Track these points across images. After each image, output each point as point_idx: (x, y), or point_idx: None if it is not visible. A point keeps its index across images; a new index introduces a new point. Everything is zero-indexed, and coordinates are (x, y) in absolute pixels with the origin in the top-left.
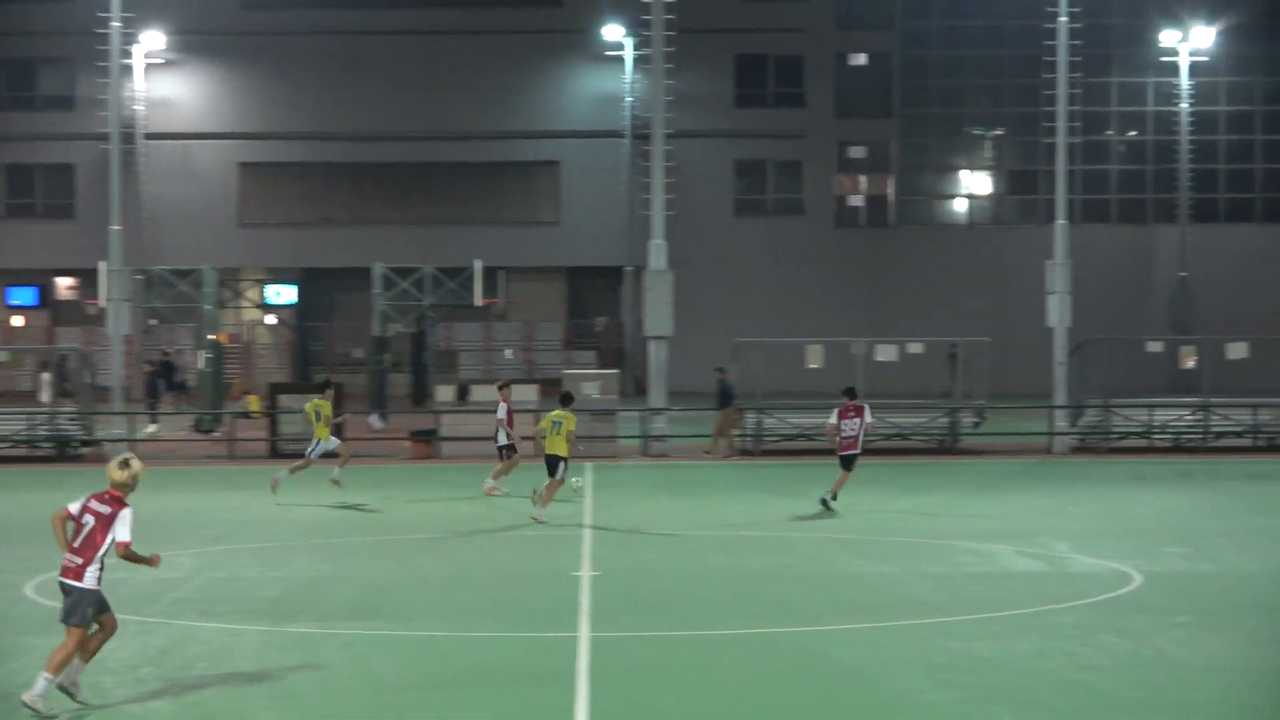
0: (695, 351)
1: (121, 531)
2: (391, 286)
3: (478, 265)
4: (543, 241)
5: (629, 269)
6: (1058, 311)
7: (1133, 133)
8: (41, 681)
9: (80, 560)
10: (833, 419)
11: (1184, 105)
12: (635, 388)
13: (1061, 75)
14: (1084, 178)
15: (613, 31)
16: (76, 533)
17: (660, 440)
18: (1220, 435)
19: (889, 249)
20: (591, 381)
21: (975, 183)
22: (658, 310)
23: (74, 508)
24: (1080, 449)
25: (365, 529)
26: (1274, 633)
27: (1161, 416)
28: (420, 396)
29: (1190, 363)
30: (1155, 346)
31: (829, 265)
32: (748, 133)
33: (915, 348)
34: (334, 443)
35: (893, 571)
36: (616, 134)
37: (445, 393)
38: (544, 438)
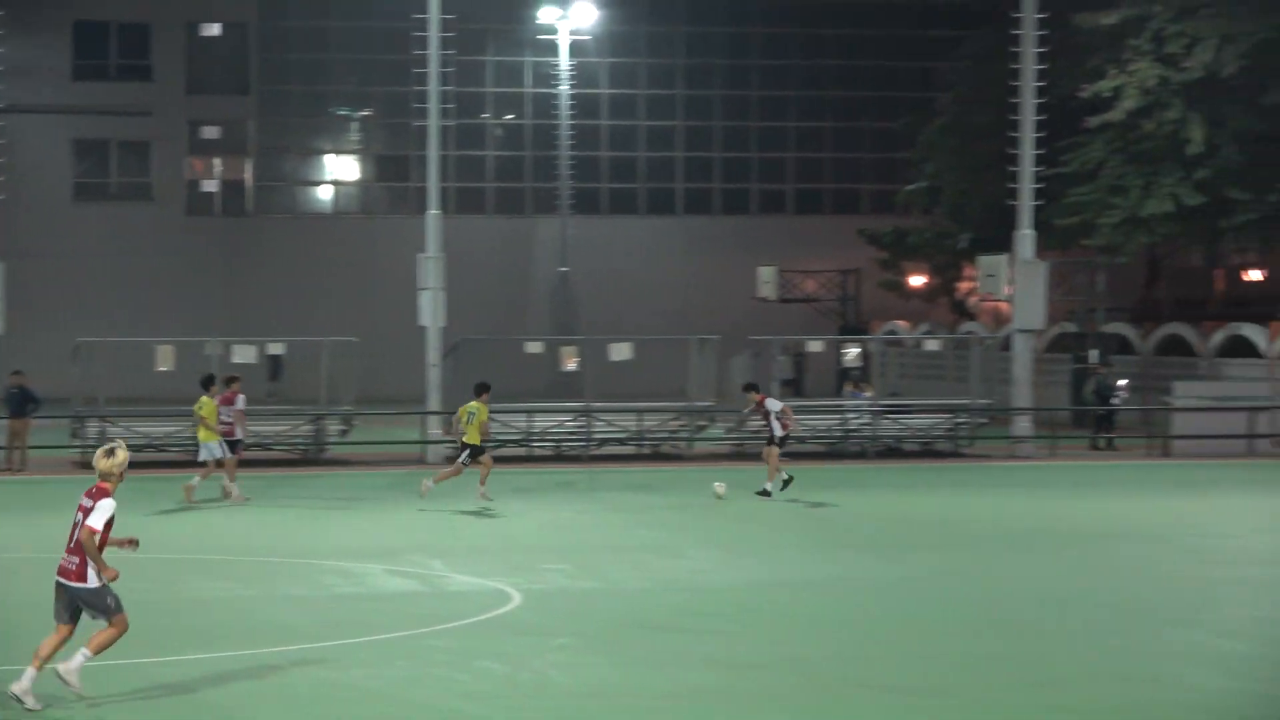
0: (32, 352)
1: (95, 519)
2: None
3: None
4: None
5: None
6: (430, 309)
7: (510, 116)
8: (79, 657)
9: (79, 560)
10: None
11: (564, 88)
12: None
13: (433, 52)
14: (458, 164)
15: None
16: (71, 531)
17: None
18: (603, 443)
19: (247, 239)
20: None
21: (341, 168)
22: None
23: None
24: (456, 458)
25: None
26: (665, 653)
27: (542, 423)
28: None
29: (572, 365)
30: (535, 347)
31: (181, 257)
32: (88, 108)
33: (276, 348)
34: None
35: (252, 595)
36: None
37: None
38: (462, 426)
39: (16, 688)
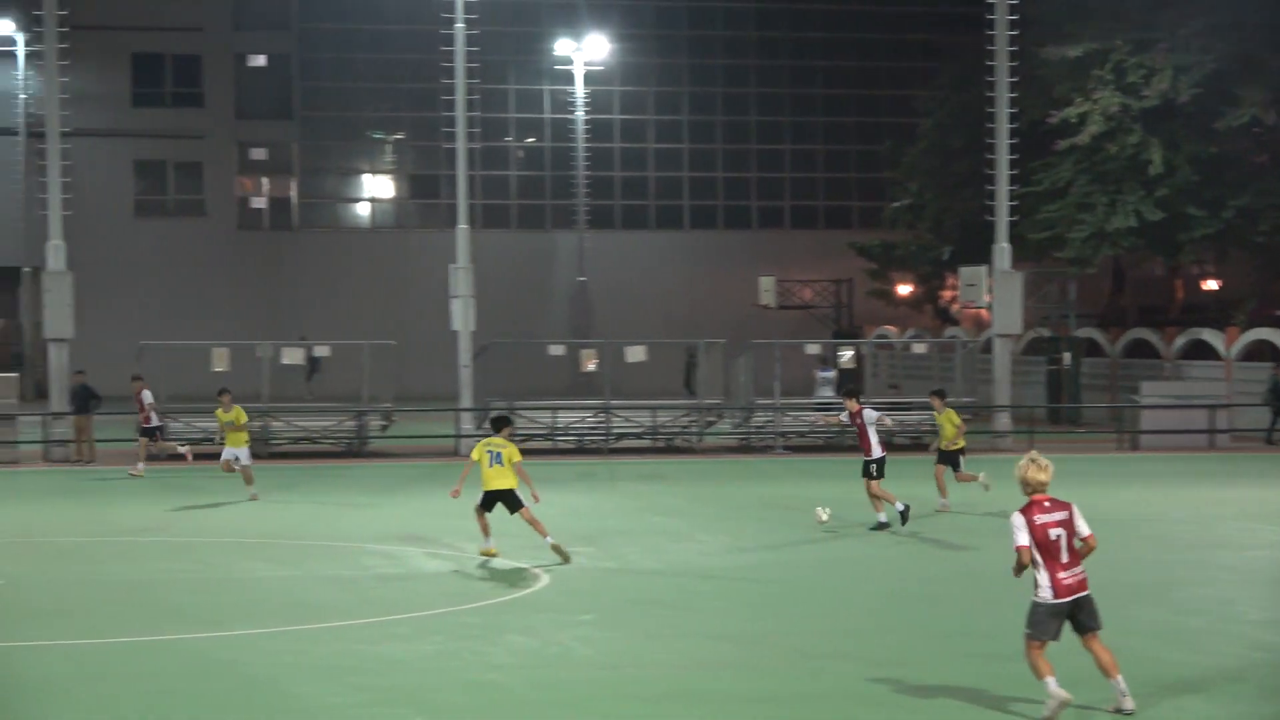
0: (98, 355)
1: (1082, 526)
2: None
3: None
4: None
5: (27, 270)
6: (461, 315)
7: (531, 139)
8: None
9: (1081, 570)
10: None
11: (579, 113)
12: (36, 392)
13: (459, 81)
14: (484, 183)
15: (2, 26)
16: (1054, 547)
17: (62, 445)
18: (621, 436)
19: (292, 252)
20: None
21: (377, 186)
22: (58, 312)
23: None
24: None
25: None
26: (677, 628)
27: (565, 418)
28: None
29: (591, 366)
30: (557, 350)
31: (233, 268)
32: (146, 132)
33: (322, 350)
34: None
35: (298, 575)
36: (11, 132)
37: None
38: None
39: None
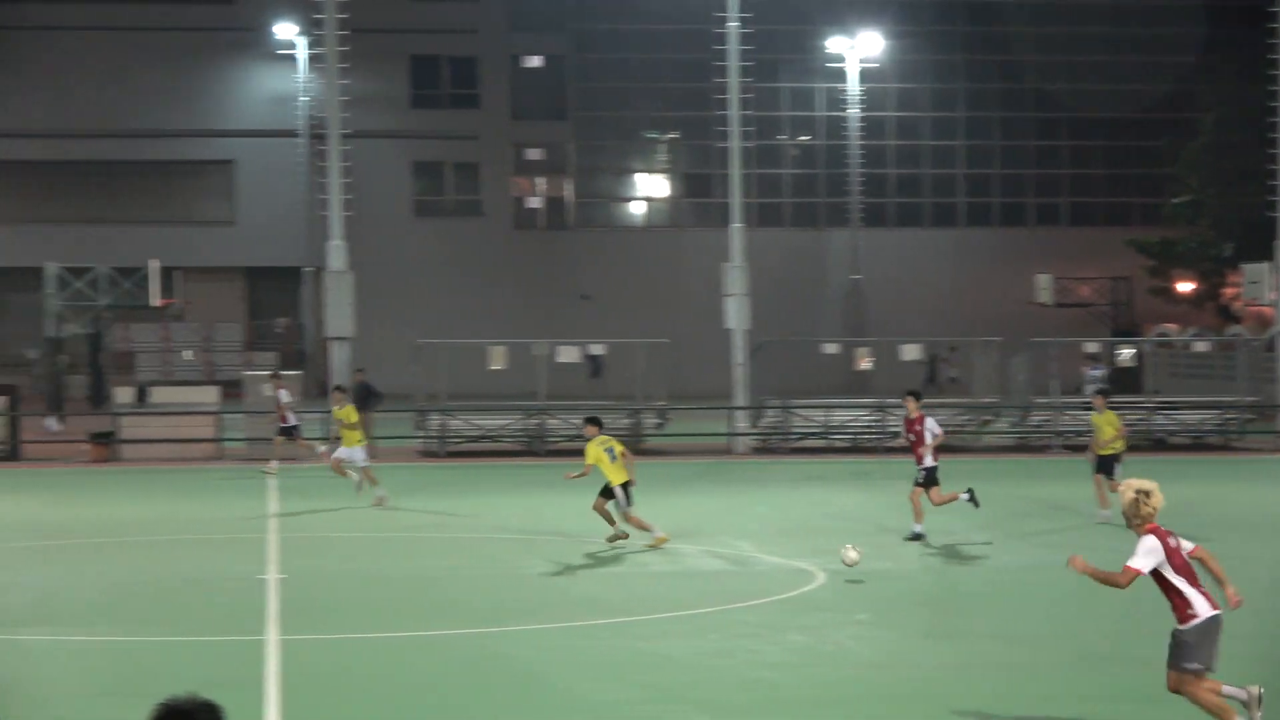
0: (376, 353)
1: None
2: (65, 286)
3: (154, 265)
4: (219, 241)
5: (309, 270)
6: (735, 313)
7: (805, 137)
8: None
9: None
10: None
11: (853, 111)
12: (318, 389)
13: (733, 80)
14: (758, 181)
15: (285, 30)
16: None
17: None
18: (895, 435)
19: (567, 251)
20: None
21: (651, 185)
22: (338, 311)
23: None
24: (760, 449)
25: (40, 533)
26: (950, 627)
27: (840, 417)
28: (98, 398)
29: (865, 364)
30: (832, 348)
31: (508, 267)
32: (424, 133)
33: (596, 349)
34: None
35: (574, 571)
36: (292, 133)
37: (124, 394)
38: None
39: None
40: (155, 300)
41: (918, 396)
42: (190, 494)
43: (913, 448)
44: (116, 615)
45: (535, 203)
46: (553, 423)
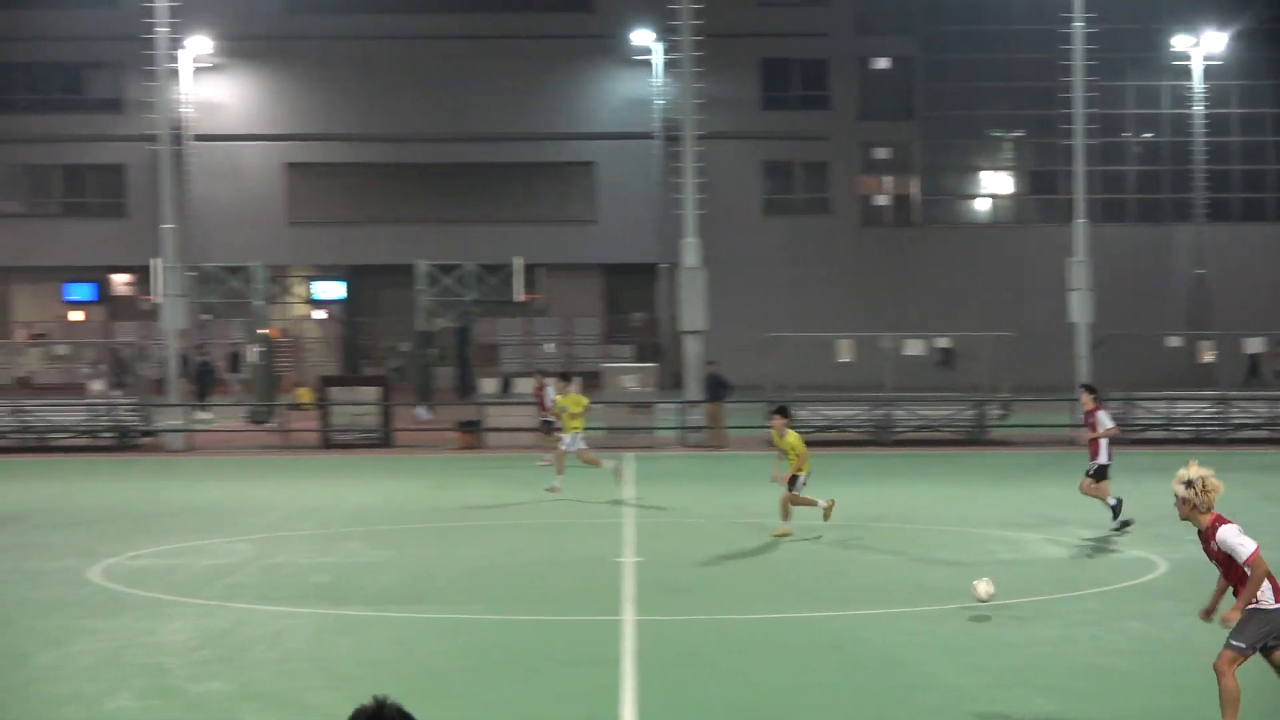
0: (727, 346)
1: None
2: (435, 282)
3: (518, 262)
4: (580, 239)
5: (663, 266)
6: (1079, 307)
7: (1148, 134)
8: None
9: None
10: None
11: (1198, 108)
12: (673, 381)
13: (1078, 78)
14: (1102, 178)
15: (642, 36)
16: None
17: (696, 431)
18: (1239, 427)
19: (913, 247)
20: (630, 375)
21: (996, 183)
22: (692, 306)
23: None
24: None
25: (412, 516)
26: None
27: (1183, 409)
28: (465, 389)
29: (1209, 357)
30: (1175, 341)
31: (856, 263)
32: (774, 134)
33: (943, 342)
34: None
35: (919, 558)
36: (648, 135)
37: (489, 385)
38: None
39: None
40: (519, 296)
41: (1092, 390)
42: (551, 480)
43: (1089, 442)
44: (482, 594)
45: (882, 200)
46: (898, 414)
